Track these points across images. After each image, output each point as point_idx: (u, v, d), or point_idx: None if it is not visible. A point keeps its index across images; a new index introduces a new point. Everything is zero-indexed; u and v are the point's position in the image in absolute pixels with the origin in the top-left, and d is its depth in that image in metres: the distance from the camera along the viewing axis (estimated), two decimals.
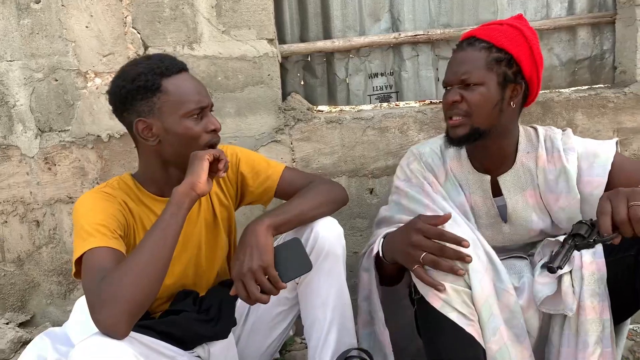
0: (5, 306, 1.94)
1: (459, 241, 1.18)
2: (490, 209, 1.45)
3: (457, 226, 1.27)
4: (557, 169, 1.39)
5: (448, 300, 1.20)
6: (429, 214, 1.31)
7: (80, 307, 1.62)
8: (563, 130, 1.46)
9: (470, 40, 1.36)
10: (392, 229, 1.35)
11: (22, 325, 1.90)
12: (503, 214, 1.44)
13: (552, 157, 1.40)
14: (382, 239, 1.34)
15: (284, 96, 1.95)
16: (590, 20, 2.00)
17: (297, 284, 1.36)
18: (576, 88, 2.00)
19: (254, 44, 1.84)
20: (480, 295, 1.20)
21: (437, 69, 2.05)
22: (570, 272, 1.25)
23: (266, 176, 1.46)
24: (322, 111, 1.99)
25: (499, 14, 2.01)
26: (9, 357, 1.77)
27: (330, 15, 2.01)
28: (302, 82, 2.05)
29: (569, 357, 1.25)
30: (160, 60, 1.28)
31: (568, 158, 1.38)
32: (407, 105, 1.98)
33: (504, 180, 1.43)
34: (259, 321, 1.43)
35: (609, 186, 1.33)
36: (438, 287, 1.19)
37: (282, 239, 1.42)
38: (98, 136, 1.86)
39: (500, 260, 1.36)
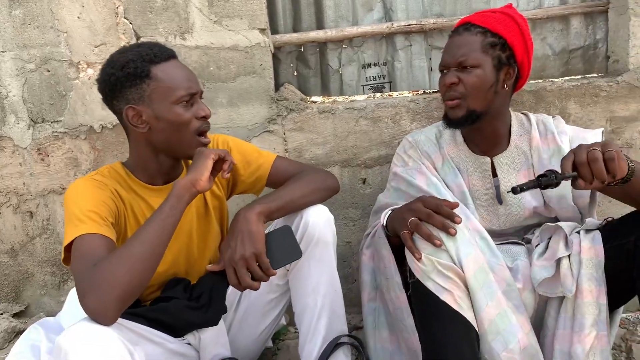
0: (0, 297, 1.94)
1: (452, 216, 1.22)
2: (488, 189, 1.49)
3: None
4: (551, 149, 1.46)
5: (426, 270, 1.23)
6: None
7: (74, 297, 1.62)
8: (553, 117, 1.53)
9: (466, 25, 1.42)
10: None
11: (16, 315, 1.91)
12: (498, 195, 1.48)
13: (545, 138, 1.47)
14: (389, 211, 1.37)
15: (278, 87, 1.95)
16: (583, 10, 1.99)
17: (288, 270, 1.36)
18: (569, 77, 1.99)
19: (246, 33, 1.84)
20: (468, 266, 1.22)
21: (430, 59, 2.05)
22: (569, 256, 1.28)
23: (257, 165, 1.47)
24: (316, 102, 1.99)
25: (492, 3, 2.01)
26: (2, 347, 1.78)
27: (323, 5, 2.01)
28: (295, 73, 2.05)
29: (565, 340, 1.27)
30: (149, 48, 1.28)
31: (562, 139, 1.45)
32: (401, 95, 1.98)
33: (499, 160, 1.49)
34: (250, 309, 1.44)
35: None
36: (415, 254, 1.23)
37: (272, 226, 1.43)
38: (91, 127, 1.86)
39: (497, 244, 1.41)
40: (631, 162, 1.17)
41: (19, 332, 1.79)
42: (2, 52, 1.82)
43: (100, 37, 1.82)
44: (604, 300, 1.26)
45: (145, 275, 1.11)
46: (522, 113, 1.55)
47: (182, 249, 1.39)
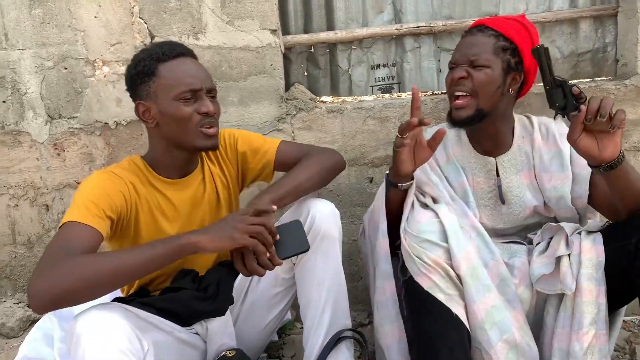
0: (16, 287, 2.00)
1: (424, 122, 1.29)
2: (492, 189, 1.52)
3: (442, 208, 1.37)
4: (553, 151, 1.49)
5: (437, 282, 1.26)
6: (427, 189, 1.46)
7: None
8: (554, 119, 1.52)
9: (480, 27, 1.46)
10: None
11: (30, 305, 1.96)
12: (500, 195, 1.52)
13: (547, 141, 1.51)
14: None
15: (288, 86, 1.99)
16: (592, 13, 2.00)
17: (294, 264, 1.40)
18: (578, 80, 2.01)
19: (257, 34, 1.88)
20: (462, 262, 1.26)
21: (438, 61, 2.07)
22: (569, 255, 1.30)
23: (264, 152, 1.51)
24: (325, 101, 2.02)
25: (501, 6, 2.02)
26: (17, 335, 1.84)
27: (334, 6, 2.04)
28: (306, 73, 2.08)
29: (563, 338, 1.30)
30: (159, 46, 1.34)
31: (563, 142, 1.47)
32: (409, 96, 2.01)
33: (502, 161, 1.52)
34: (257, 301, 1.47)
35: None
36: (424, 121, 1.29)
37: (281, 221, 1.46)
38: (105, 123, 1.92)
39: (500, 243, 1.47)
40: (622, 154, 1.22)
41: (33, 321, 1.85)
42: (22, 50, 1.88)
43: (116, 36, 1.87)
44: (603, 299, 1.28)
45: (100, 292, 1.08)
46: (524, 115, 1.58)
47: None
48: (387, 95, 2.07)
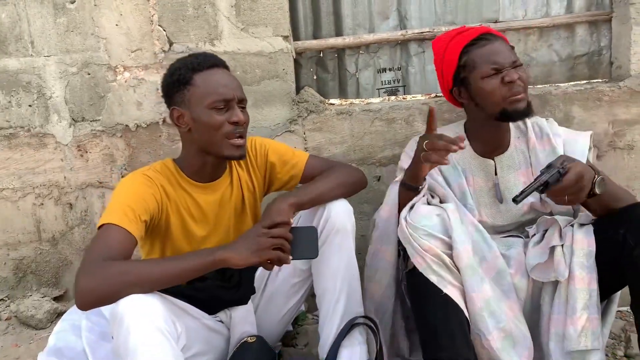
0: (41, 282, 2.10)
1: (454, 142, 1.34)
2: (491, 188, 1.62)
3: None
4: (547, 150, 1.59)
5: (430, 264, 1.35)
6: (437, 190, 1.55)
7: None
8: (546, 119, 1.67)
9: (492, 35, 1.55)
10: None
11: (55, 299, 2.07)
12: (498, 193, 1.61)
13: (541, 140, 1.61)
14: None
15: (298, 90, 2.09)
16: (588, 18, 2.10)
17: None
18: (574, 82, 2.11)
19: (270, 40, 1.98)
20: (463, 254, 1.34)
21: None
22: (562, 245, 1.39)
23: (292, 164, 1.59)
24: (334, 104, 2.13)
25: (501, 12, 2.12)
26: (45, 326, 1.93)
27: (342, 13, 2.14)
28: (315, 77, 2.18)
29: (559, 323, 1.39)
30: (195, 57, 1.43)
31: (556, 140, 1.58)
32: (414, 98, 2.12)
33: (500, 161, 1.62)
34: (275, 292, 1.57)
35: None
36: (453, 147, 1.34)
37: (296, 220, 1.56)
38: (126, 126, 2.02)
39: (500, 238, 1.56)
40: (599, 175, 1.35)
41: (60, 314, 1.95)
42: (47, 56, 1.98)
43: (136, 43, 1.97)
44: (594, 286, 1.37)
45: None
46: None
47: (220, 241, 1.51)
48: (392, 97, 2.17)
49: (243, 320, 1.47)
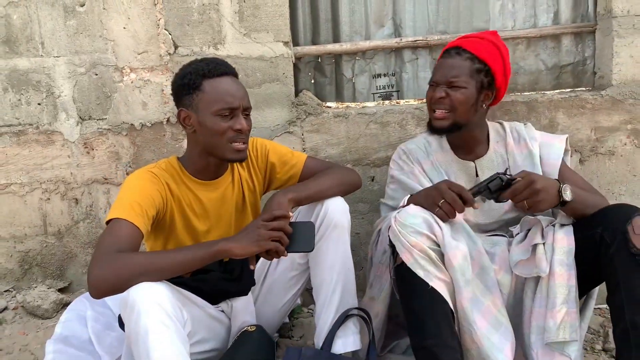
0: (46, 274, 2.18)
1: (471, 202, 1.45)
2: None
3: None
4: (524, 153, 1.70)
5: (417, 259, 1.42)
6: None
7: None
8: (524, 124, 1.78)
9: (457, 49, 1.65)
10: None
11: (60, 291, 2.14)
12: None
13: (519, 144, 1.72)
14: (408, 197, 1.59)
15: (296, 93, 2.18)
16: (573, 30, 2.21)
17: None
18: (559, 90, 2.22)
19: (271, 45, 2.07)
20: (455, 254, 1.42)
21: None
22: (544, 244, 1.49)
23: (292, 165, 1.67)
24: (330, 107, 2.22)
25: (491, 22, 2.23)
26: (51, 316, 2.01)
27: (340, 21, 2.24)
28: (313, 81, 2.28)
29: (540, 316, 1.48)
30: (206, 64, 1.47)
31: (533, 144, 1.70)
32: (407, 103, 2.22)
33: (480, 163, 1.73)
34: (274, 284, 1.66)
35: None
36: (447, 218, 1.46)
37: (295, 216, 1.65)
38: (132, 125, 2.10)
39: (486, 236, 1.65)
40: (563, 184, 1.47)
41: (65, 304, 2.02)
42: (57, 57, 2.06)
43: (143, 45, 2.06)
44: (573, 282, 1.46)
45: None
46: (497, 122, 1.80)
47: (221, 236, 1.56)
48: (387, 102, 2.27)
49: (243, 310, 1.56)
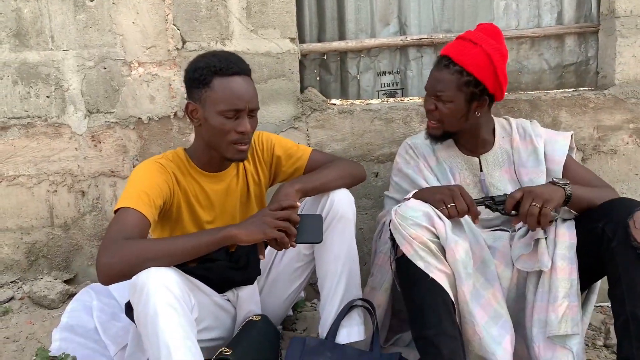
0: (52, 266, 2.20)
1: (476, 215, 1.49)
2: (477, 184, 1.74)
3: None
4: (529, 150, 1.72)
5: (417, 250, 1.43)
6: None
7: None
8: (530, 121, 1.80)
9: (447, 61, 1.63)
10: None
11: (66, 282, 2.16)
12: (484, 188, 1.73)
13: (524, 140, 1.74)
14: (413, 192, 1.60)
15: (302, 90, 2.20)
16: (576, 30, 2.24)
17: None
18: (562, 90, 2.24)
19: (278, 42, 2.10)
20: (457, 249, 1.43)
21: None
22: (546, 239, 1.51)
23: (297, 158, 1.69)
24: (335, 104, 2.24)
25: (495, 22, 2.25)
26: (57, 306, 2.03)
27: (345, 19, 2.27)
28: (318, 78, 2.30)
29: (542, 310, 1.49)
30: (219, 60, 1.45)
31: (538, 141, 1.71)
32: (411, 100, 2.24)
33: (486, 158, 1.74)
34: (279, 275, 1.68)
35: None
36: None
37: (301, 208, 1.66)
38: (139, 118, 2.12)
39: (489, 231, 1.66)
40: (568, 190, 1.49)
41: (71, 295, 2.04)
42: (66, 50, 2.09)
43: (151, 40, 2.09)
44: (575, 276, 1.48)
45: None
46: (503, 118, 1.82)
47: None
48: (391, 99, 2.29)
49: (249, 300, 1.58)
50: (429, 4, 2.26)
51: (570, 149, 1.73)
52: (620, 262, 1.40)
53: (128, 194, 1.40)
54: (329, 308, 1.57)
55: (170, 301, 1.19)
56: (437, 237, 1.44)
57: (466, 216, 1.55)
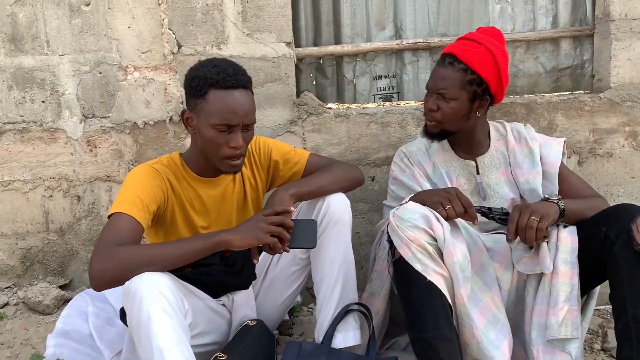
0: (47, 271, 2.19)
1: (473, 218, 1.48)
2: (474, 187, 1.74)
3: None
4: (525, 151, 1.73)
5: (414, 253, 1.43)
6: None
7: None
8: (524, 125, 1.81)
9: (452, 58, 1.63)
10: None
11: (61, 287, 2.14)
12: (481, 191, 1.74)
13: (520, 142, 1.75)
14: (411, 196, 1.60)
15: (298, 94, 2.20)
16: (572, 33, 2.25)
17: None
18: (558, 93, 2.24)
19: (274, 46, 2.10)
20: (454, 252, 1.43)
21: None
22: (548, 242, 1.50)
23: (294, 162, 1.68)
24: (331, 107, 2.24)
25: (491, 26, 2.25)
26: (52, 312, 2.02)
27: (341, 23, 2.27)
28: (314, 82, 2.30)
29: (542, 314, 1.49)
30: (217, 73, 1.41)
31: (533, 143, 1.72)
32: (407, 104, 2.24)
33: (482, 161, 1.75)
34: (275, 279, 1.67)
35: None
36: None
37: (297, 212, 1.66)
38: (135, 123, 2.12)
39: (489, 234, 1.66)
40: (561, 205, 1.50)
41: (66, 300, 2.03)
42: (62, 55, 2.09)
43: (147, 44, 2.09)
44: (576, 280, 1.48)
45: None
46: (497, 122, 1.82)
47: None
48: (387, 103, 2.29)
49: (244, 304, 1.57)
50: (425, 8, 2.26)
51: (562, 154, 1.74)
52: (623, 266, 1.41)
53: (122, 199, 1.39)
54: (324, 312, 1.56)
55: (163, 306, 1.18)
56: (435, 240, 1.44)
57: (464, 222, 1.56)
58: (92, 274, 1.25)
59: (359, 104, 2.28)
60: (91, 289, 2.02)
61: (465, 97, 1.62)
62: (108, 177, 2.15)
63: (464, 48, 1.63)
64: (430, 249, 1.42)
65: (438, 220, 1.45)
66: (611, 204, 1.58)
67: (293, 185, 1.51)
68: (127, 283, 1.24)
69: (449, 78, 1.62)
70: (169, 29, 2.08)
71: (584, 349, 1.86)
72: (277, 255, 1.59)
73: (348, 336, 1.55)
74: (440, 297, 1.41)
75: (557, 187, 1.67)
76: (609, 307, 2.12)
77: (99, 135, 2.13)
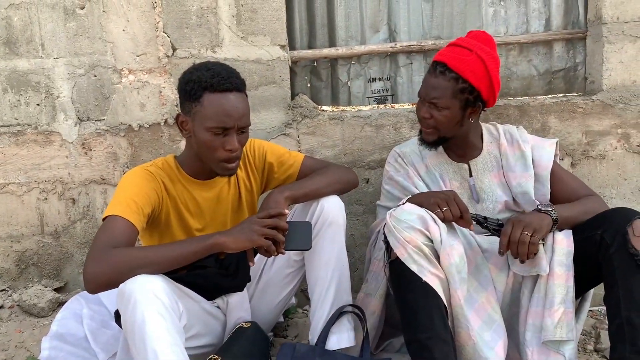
0: (42, 274, 2.18)
1: (469, 223, 1.50)
2: (467, 190, 1.75)
3: None
4: (517, 154, 1.74)
5: (410, 254, 1.44)
6: None
7: None
8: (517, 127, 1.82)
9: (443, 67, 1.63)
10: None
11: (56, 290, 2.15)
12: (474, 194, 1.74)
13: (512, 145, 1.76)
14: (408, 197, 1.61)
15: (292, 96, 2.21)
16: (564, 36, 2.26)
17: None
18: (551, 95, 2.26)
19: (268, 49, 2.11)
20: (451, 254, 1.44)
21: None
22: (544, 244, 1.52)
23: (289, 165, 1.69)
24: (326, 110, 2.25)
25: (484, 28, 2.27)
26: (47, 315, 2.02)
27: (335, 26, 2.28)
28: (309, 85, 2.31)
29: (537, 315, 1.51)
30: (212, 76, 1.42)
31: (525, 146, 1.73)
32: (401, 106, 2.25)
33: (474, 164, 1.76)
34: (270, 281, 1.68)
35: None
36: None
37: (291, 214, 1.67)
38: (129, 126, 2.12)
39: (484, 235, 1.67)
40: (554, 215, 1.51)
41: (61, 303, 2.03)
42: (57, 58, 2.09)
43: (142, 47, 2.09)
44: (571, 282, 1.50)
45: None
46: (490, 124, 1.83)
47: None
48: (382, 105, 2.30)
49: (239, 307, 1.57)
50: (418, 10, 2.28)
51: (555, 155, 1.74)
52: (617, 268, 1.43)
53: (116, 202, 1.40)
54: (319, 314, 1.57)
55: (158, 308, 1.19)
56: (431, 241, 1.45)
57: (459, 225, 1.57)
58: (86, 277, 1.26)
59: (354, 107, 2.29)
60: (86, 292, 2.03)
61: (457, 105, 1.63)
62: (103, 179, 2.15)
63: (455, 56, 1.63)
64: (426, 250, 1.43)
65: (435, 221, 1.46)
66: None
67: (287, 188, 1.52)
68: (121, 285, 1.24)
69: (440, 87, 1.62)
70: (163, 32, 2.09)
71: (577, 349, 1.88)
72: (272, 257, 1.59)
73: (342, 338, 1.56)
74: (436, 298, 1.42)
75: (549, 190, 1.68)
76: (602, 309, 2.13)
77: (93, 138, 2.13)
